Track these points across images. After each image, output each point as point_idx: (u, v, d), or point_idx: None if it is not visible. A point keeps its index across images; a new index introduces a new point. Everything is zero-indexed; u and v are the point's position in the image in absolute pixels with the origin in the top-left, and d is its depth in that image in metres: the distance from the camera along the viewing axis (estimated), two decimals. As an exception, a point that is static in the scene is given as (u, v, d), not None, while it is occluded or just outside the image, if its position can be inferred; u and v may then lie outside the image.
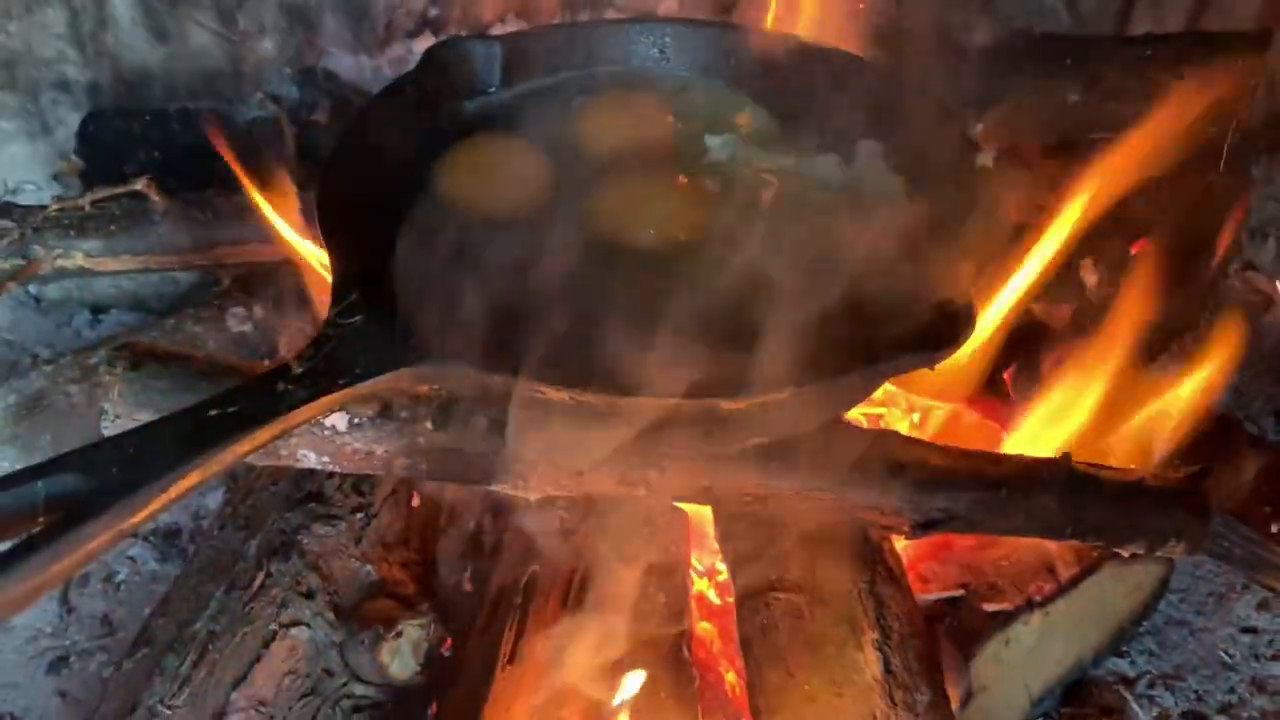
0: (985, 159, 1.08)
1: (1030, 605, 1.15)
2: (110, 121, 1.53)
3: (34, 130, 1.67)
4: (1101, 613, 1.23)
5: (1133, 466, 1.06)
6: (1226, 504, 1.12)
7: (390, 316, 0.91)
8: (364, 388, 0.88)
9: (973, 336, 0.94)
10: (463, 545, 1.12)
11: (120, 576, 1.38)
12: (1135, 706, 1.30)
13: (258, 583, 0.99)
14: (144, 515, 0.79)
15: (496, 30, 1.94)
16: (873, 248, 1.10)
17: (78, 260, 1.28)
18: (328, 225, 1.01)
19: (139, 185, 1.27)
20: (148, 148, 1.48)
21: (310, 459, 1.02)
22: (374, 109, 1.18)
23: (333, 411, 0.97)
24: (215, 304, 1.34)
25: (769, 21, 1.37)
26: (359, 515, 1.05)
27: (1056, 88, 1.22)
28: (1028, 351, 1.13)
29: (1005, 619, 1.14)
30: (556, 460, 0.99)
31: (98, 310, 1.58)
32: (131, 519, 0.78)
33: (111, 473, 0.77)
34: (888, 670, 1.04)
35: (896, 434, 1.06)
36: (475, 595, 1.09)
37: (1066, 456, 1.03)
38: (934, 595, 1.17)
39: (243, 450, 0.84)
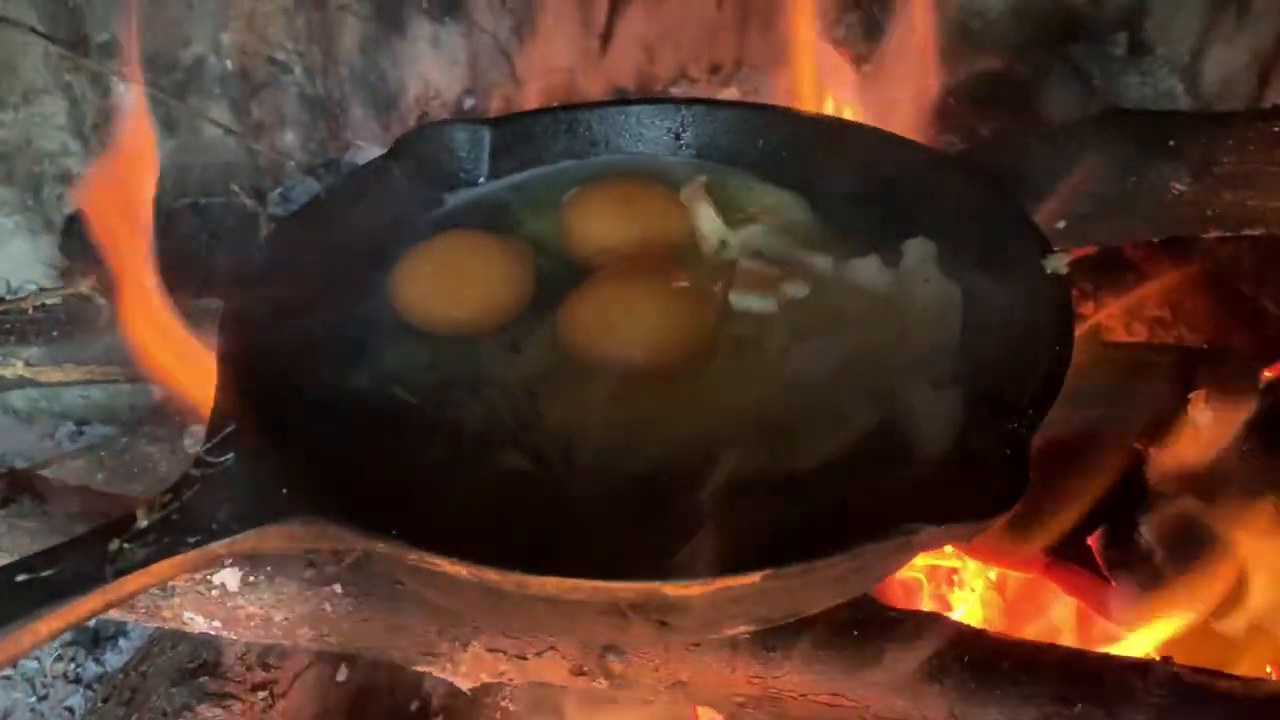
0: (1058, 262, 0.84)
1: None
2: (96, 217, 1.41)
3: (35, 227, 1.57)
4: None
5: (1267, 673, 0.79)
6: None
7: (268, 457, 0.73)
8: (218, 547, 0.69)
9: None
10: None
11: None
12: None
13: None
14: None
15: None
16: (909, 372, 0.88)
17: (18, 369, 1.14)
18: (224, 342, 0.83)
19: (83, 288, 1.13)
20: (129, 245, 1.36)
21: (198, 623, 0.83)
22: (322, 204, 1.01)
23: (181, 576, 0.78)
24: (176, 421, 1.19)
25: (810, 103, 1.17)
26: (261, 694, 0.85)
27: (1156, 175, 0.98)
28: (1120, 510, 0.87)
29: None
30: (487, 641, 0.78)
31: (82, 422, 1.45)
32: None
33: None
34: None
35: (942, 619, 0.82)
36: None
37: (1168, 661, 0.77)
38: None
39: (53, 628, 0.66)
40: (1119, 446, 0.92)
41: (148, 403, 1.33)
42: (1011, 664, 0.78)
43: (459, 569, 0.66)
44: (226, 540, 0.69)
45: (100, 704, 0.89)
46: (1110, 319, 1.38)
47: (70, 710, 1.11)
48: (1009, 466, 0.68)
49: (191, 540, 0.69)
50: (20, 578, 0.67)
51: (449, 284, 0.95)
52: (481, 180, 1.11)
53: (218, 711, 0.83)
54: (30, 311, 1.15)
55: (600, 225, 1.03)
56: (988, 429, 0.76)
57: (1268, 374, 1.24)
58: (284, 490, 0.70)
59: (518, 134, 1.12)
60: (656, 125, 1.14)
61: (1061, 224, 1.00)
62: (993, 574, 1.08)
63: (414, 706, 0.92)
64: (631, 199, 1.05)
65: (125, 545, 0.68)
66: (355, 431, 0.81)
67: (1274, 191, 0.96)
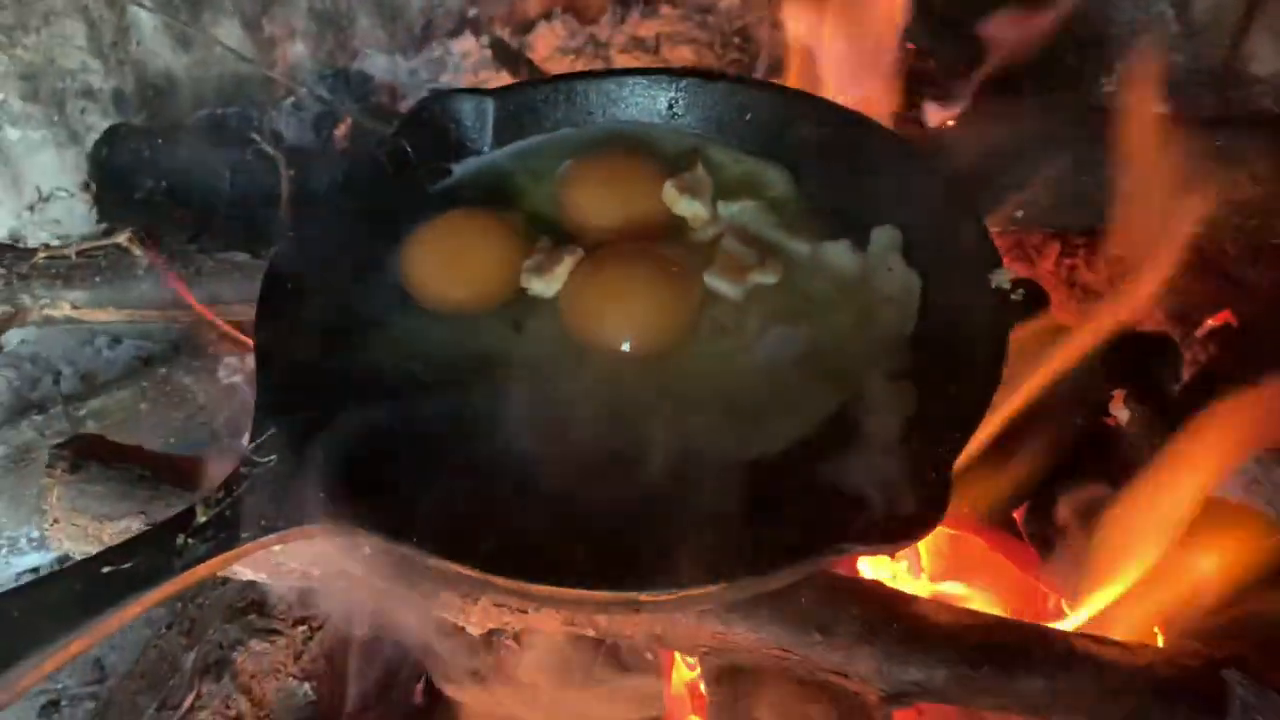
0: (1002, 278, 0.94)
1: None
2: (123, 142, 1.49)
3: (61, 140, 1.65)
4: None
5: (1145, 643, 0.94)
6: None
7: (306, 464, 0.85)
8: (269, 541, 0.82)
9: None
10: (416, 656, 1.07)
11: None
12: None
13: (188, 704, 0.96)
14: (21, 689, 0.76)
15: (542, 29, 1.83)
16: (867, 360, 0.99)
17: (65, 310, 1.25)
18: (261, 339, 0.94)
19: (121, 239, 1.23)
20: (156, 175, 1.44)
21: (245, 574, 0.98)
22: (339, 188, 1.09)
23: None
24: (209, 353, 1.30)
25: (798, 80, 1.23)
26: (301, 628, 1.00)
27: (1104, 171, 1.06)
28: (1044, 488, 1.00)
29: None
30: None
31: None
32: (4, 696, 0.75)
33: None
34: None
35: (878, 587, 0.96)
36: (427, 712, 1.05)
37: (1065, 633, 0.91)
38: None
39: (134, 612, 0.80)
40: (1056, 423, 1.03)
41: (182, 334, 1.45)
42: (933, 629, 0.92)
43: (472, 573, 0.79)
44: (274, 535, 0.81)
45: (165, 629, 1.05)
46: (1079, 261, 1.48)
47: (100, 667, 1.27)
48: (932, 489, 0.81)
49: (245, 536, 0.81)
50: (104, 569, 0.80)
51: (450, 266, 1.03)
52: (486, 149, 1.18)
53: (266, 645, 0.99)
54: (74, 258, 1.25)
55: (592, 204, 1.11)
56: (928, 434, 0.88)
57: (1211, 322, 1.35)
58: (321, 495, 0.82)
59: (519, 104, 1.19)
60: (651, 96, 1.20)
61: (1020, 214, 1.08)
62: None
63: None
64: (622, 177, 1.13)
65: (189, 540, 0.81)
66: (378, 419, 0.92)
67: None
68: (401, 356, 1.00)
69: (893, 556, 0.94)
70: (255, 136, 1.31)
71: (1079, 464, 0.98)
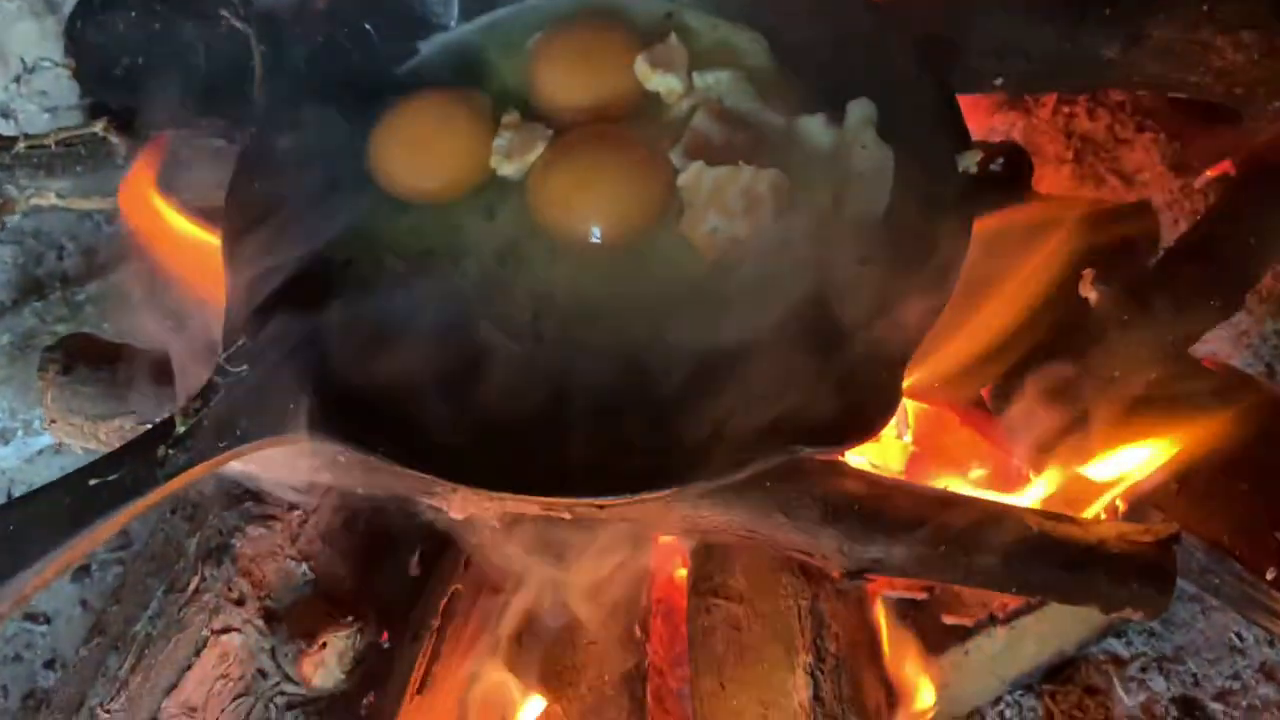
0: (970, 160, 0.92)
1: (993, 620, 1.10)
2: (97, 18, 1.45)
3: (38, 9, 1.61)
4: (1087, 615, 1.16)
5: (1101, 519, 0.96)
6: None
7: (282, 370, 0.87)
8: (246, 448, 0.86)
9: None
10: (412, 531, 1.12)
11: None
12: (1121, 690, 1.25)
13: (192, 587, 1.02)
14: (20, 599, 0.82)
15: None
16: (839, 244, 0.98)
17: (51, 199, 1.26)
18: (228, 242, 0.95)
19: (97, 128, 1.22)
20: (132, 52, 1.41)
21: (235, 467, 1.02)
22: (304, 76, 1.08)
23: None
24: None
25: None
26: (296, 513, 1.05)
27: (1089, 42, 1.01)
28: (1015, 368, 1.00)
29: (963, 634, 1.09)
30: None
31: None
32: (5, 607, 0.81)
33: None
34: (816, 697, 1.01)
35: (841, 468, 0.98)
36: (422, 581, 1.11)
37: (1023, 511, 0.94)
38: (894, 594, 1.12)
39: (122, 520, 0.84)
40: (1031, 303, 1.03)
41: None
42: (894, 509, 0.96)
43: (436, 480, 0.83)
44: (249, 444, 0.85)
45: (169, 514, 1.10)
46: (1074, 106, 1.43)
47: (126, 533, 1.34)
48: (884, 390, 0.82)
49: (222, 445, 0.84)
50: (91, 482, 0.84)
51: (415, 154, 1.03)
52: (452, 24, 1.15)
53: (263, 530, 1.04)
54: (54, 147, 1.25)
55: (562, 82, 1.08)
56: (886, 327, 0.89)
57: (1209, 173, 1.32)
58: (291, 406, 0.85)
59: (486, -30, 1.15)
60: (624, -43, 1.16)
61: (999, 81, 1.05)
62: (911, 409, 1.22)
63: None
64: (592, 53, 1.10)
65: (170, 451, 0.84)
66: (350, 321, 0.94)
67: (1194, 66, 0.99)
68: (374, 250, 1.01)
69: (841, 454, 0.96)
70: (223, 11, 1.28)
71: (1052, 345, 0.98)
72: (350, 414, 0.86)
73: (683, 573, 1.18)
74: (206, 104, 1.29)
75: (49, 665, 1.37)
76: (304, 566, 1.05)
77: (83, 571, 1.41)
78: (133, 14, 1.42)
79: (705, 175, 1.01)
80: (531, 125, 1.07)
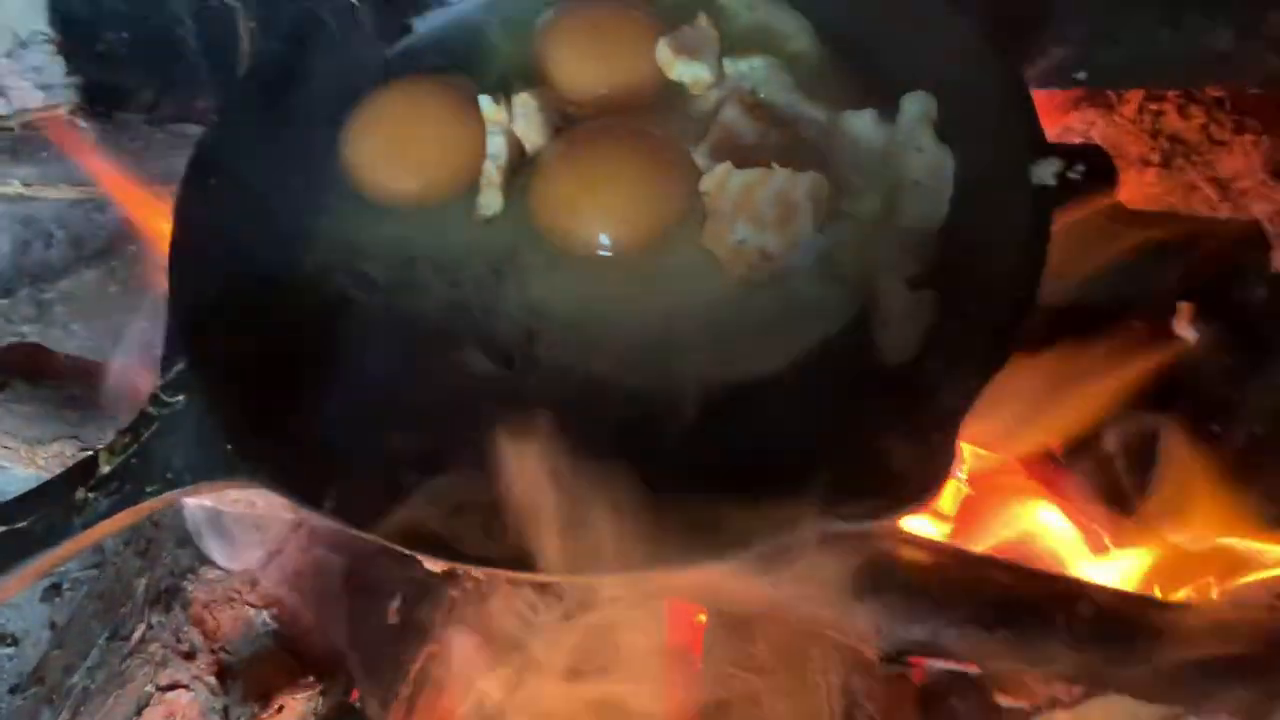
0: (1047, 171, 0.77)
1: (1055, 704, 0.94)
2: (80, -11, 1.34)
3: (27, -22, 1.51)
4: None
5: (1195, 603, 0.81)
6: None
7: (215, 406, 0.74)
8: (174, 496, 0.73)
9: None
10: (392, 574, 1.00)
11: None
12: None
13: (137, 635, 0.90)
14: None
15: None
16: (888, 261, 0.83)
17: (16, 188, 1.15)
18: (175, 252, 0.83)
19: (63, 111, 1.11)
20: (116, 26, 1.30)
21: (190, 503, 0.90)
22: (279, 57, 0.94)
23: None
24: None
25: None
26: (258, 552, 0.93)
27: (1194, 29, 0.84)
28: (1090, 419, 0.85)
29: (1020, 718, 0.94)
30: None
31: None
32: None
33: None
34: (842, 796, 0.87)
35: (879, 534, 0.84)
36: (400, 632, 0.98)
37: (1097, 589, 0.79)
38: (940, 666, 0.97)
39: (30, 577, 0.72)
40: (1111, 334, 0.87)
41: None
42: (944, 581, 0.81)
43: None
44: (179, 491, 0.73)
45: (122, 546, 0.99)
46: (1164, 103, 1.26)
47: (101, 549, 1.23)
48: (933, 455, 0.67)
49: (149, 490, 0.72)
50: (-1, 529, 0.72)
51: (398, 151, 0.90)
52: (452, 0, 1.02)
53: (220, 572, 0.92)
54: (18, 130, 1.14)
55: (574, 67, 0.95)
56: (941, 369, 0.74)
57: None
58: (228, 447, 0.72)
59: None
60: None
61: (1082, 75, 0.89)
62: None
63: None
64: (608, 33, 0.96)
65: (90, 495, 0.73)
66: (310, 345, 0.82)
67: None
68: (347, 259, 0.89)
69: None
70: (209, -18, 1.16)
71: (1137, 390, 0.82)
72: (303, 458, 0.73)
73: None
74: (196, 85, 1.18)
75: (14, 691, 1.26)
76: (264, 615, 0.93)
77: (53, 590, 1.31)
78: (117, -14, 1.31)
79: (733, 178, 0.86)
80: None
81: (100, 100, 1.25)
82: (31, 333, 1.19)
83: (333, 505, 0.70)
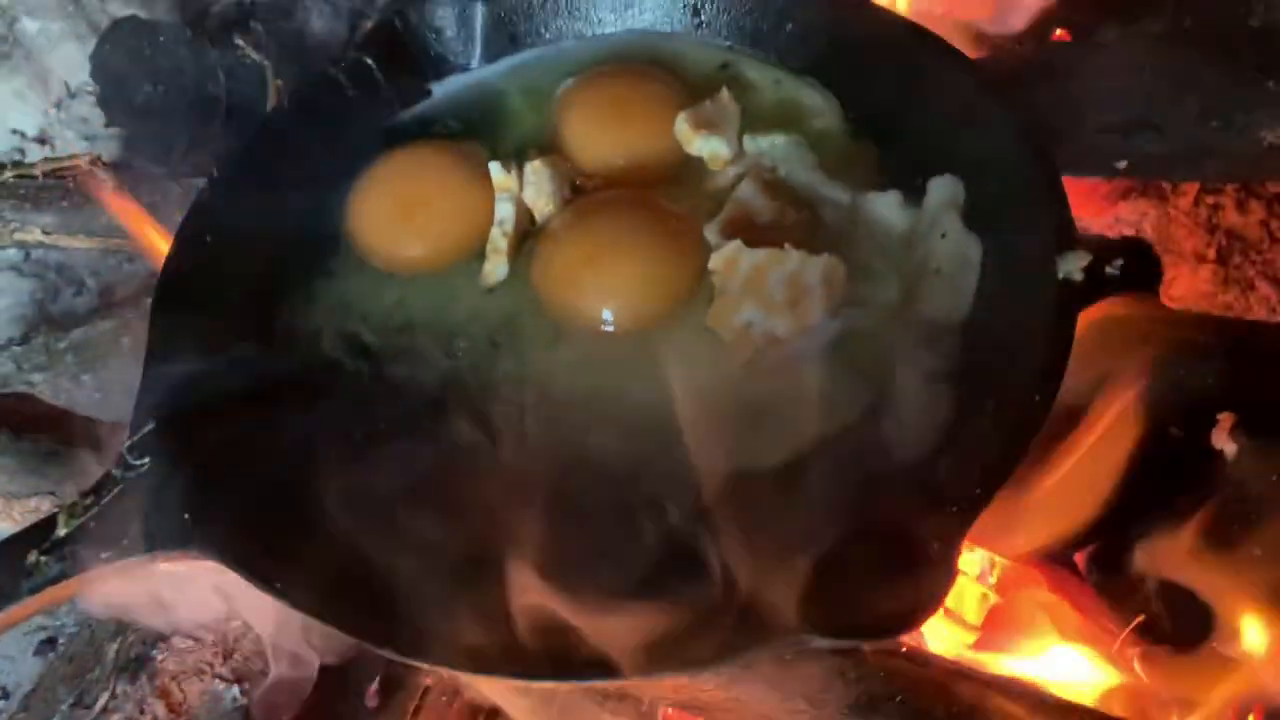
0: (1074, 264, 0.71)
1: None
2: (125, 40, 1.35)
3: (81, 32, 1.53)
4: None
5: None
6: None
7: (177, 473, 0.71)
8: (129, 565, 0.70)
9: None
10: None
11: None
12: None
13: (100, 704, 0.86)
14: None
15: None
16: (905, 354, 0.78)
17: (36, 235, 1.15)
18: (157, 312, 0.80)
19: (82, 161, 1.11)
20: (154, 78, 1.30)
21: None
22: (287, 116, 0.93)
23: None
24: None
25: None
26: (235, 622, 0.89)
27: (1245, 120, 0.78)
28: (1116, 533, 0.78)
29: None
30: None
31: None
32: None
33: None
34: None
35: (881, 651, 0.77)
36: (380, 714, 0.93)
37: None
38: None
39: (-26, 641, 0.69)
40: (1141, 439, 0.81)
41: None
42: (951, 704, 0.74)
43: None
44: (133, 560, 0.69)
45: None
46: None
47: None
48: (931, 568, 0.61)
49: (104, 556, 0.69)
50: (-62, 590, 0.69)
51: (402, 217, 0.87)
52: (473, 65, 1.00)
53: (190, 642, 0.88)
54: (41, 178, 1.14)
55: (591, 137, 0.92)
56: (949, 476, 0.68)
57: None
58: (185, 517, 0.69)
59: (513, 8, 0.99)
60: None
61: (1122, 164, 0.83)
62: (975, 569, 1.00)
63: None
64: (626, 105, 0.93)
65: (42, 559, 0.69)
66: (291, 412, 0.78)
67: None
68: (342, 321, 0.86)
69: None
70: (239, 42, 1.16)
71: (1167, 505, 0.76)
72: (265, 535, 0.69)
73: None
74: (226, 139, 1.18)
75: (-13, 746, 1.23)
76: (235, 690, 0.88)
77: (48, 644, 1.27)
78: (160, 38, 1.31)
79: (743, 257, 0.82)
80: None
81: (137, 152, 1.25)
82: (40, 381, 1.18)
83: (283, 588, 0.65)
